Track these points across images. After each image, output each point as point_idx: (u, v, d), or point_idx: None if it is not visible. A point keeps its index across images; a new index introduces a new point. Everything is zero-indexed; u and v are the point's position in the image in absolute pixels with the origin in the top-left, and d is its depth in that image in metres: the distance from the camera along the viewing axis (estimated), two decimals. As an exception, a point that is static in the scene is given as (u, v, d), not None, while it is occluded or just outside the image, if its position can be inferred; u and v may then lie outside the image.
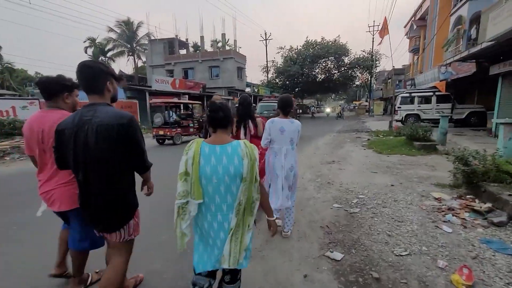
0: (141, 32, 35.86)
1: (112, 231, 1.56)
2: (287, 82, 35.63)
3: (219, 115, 1.40)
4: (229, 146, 1.37)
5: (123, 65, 53.58)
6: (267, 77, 35.70)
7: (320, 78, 36.92)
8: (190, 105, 13.76)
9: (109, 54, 35.13)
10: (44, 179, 1.83)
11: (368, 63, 32.62)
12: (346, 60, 34.08)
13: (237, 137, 3.16)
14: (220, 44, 34.67)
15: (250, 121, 3.21)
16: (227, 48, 33.15)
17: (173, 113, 11.74)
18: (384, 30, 12.16)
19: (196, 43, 39.38)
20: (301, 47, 34.77)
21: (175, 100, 18.72)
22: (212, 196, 1.36)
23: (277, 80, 36.85)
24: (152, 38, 34.23)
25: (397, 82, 30.20)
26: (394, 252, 2.48)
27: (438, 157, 6.60)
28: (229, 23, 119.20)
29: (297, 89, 38.45)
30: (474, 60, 10.19)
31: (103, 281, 1.57)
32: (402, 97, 14.40)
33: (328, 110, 39.85)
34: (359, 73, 34.92)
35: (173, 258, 2.51)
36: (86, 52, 35.22)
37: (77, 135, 1.40)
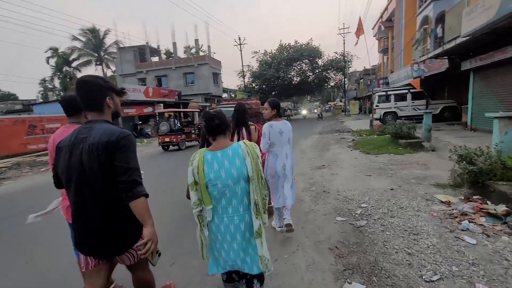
0: (109, 40, 34.15)
1: (119, 253, 1.46)
2: (264, 86, 35.58)
3: (214, 123, 1.44)
4: (229, 149, 1.41)
5: (91, 74, 51.14)
6: (244, 82, 35.37)
7: (296, 80, 37.33)
8: (189, 113, 14.19)
9: (74, 64, 32.98)
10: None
11: (341, 64, 33.50)
12: (320, 62, 34.78)
13: None
14: (193, 50, 33.86)
15: (244, 128, 3.08)
16: (201, 54, 32.41)
17: (177, 121, 12.25)
18: (359, 30, 12.28)
19: (168, 50, 38.22)
20: (275, 51, 34.97)
21: (157, 109, 17.78)
22: (219, 200, 1.41)
23: (253, 85, 36.67)
24: (122, 46, 32.70)
25: (369, 82, 31.27)
26: (423, 277, 2.10)
27: (426, 155, 6.52)
28: (202, 29, 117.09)
29: (273, 93, 38.52)
30: (446, 57, 10.50)
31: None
32: (379, 95, 14.65)
33: (304, 112, 39.99)
34: (333, 74, 35.76)
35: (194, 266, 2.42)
36: (48, 63, 32.78)
37: (71, 154, 1.34)
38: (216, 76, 30.56)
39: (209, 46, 32.09)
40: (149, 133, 17.37)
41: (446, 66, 10.96)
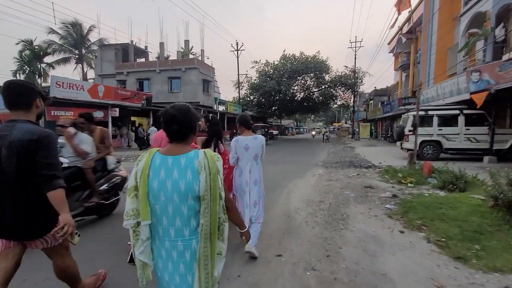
0: (93, 38, 30.52)
1: (33, 237, 1.60)
2: (262, 99, 31.38)
3: (172, 128, 1.17)
4: (183, 158, 1.14)
5: (69, 73, 47.88)
6: (239, 93, 31.27)
7: (299, 96, 33.21)
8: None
9: (48, 59, 29.21)
10: None
11: (351, 81, 29.42)
12: (327, 77, 30.78)
13: None
14: (183, 51, 30.01)
15: (219, 141, 3.28)
16: (191, 57, 28.49)
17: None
18: (403, 3, 7.92)
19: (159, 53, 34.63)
20: (277, 62, 31.11)
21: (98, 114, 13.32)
22: (160, 218, 1.14)
23: (251, 97, 32.52)
24: (105, 43, 29.06)
25: (383, 103, 26.95)
26: None
27: None
28: (196, 30, 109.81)
29: (273, 108, 34.32)
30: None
31: (59, 274, 1.79)
32: (414, 116, 10.06)
33: (314, 132, 36.01)
34: (341, 91, 31.62)
35: None
36: (21, 57, 29.01)
37: None
38: (206, 84, 26.43)
39: (202, 50, 28.26)
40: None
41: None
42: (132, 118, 17.59)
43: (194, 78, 24.81)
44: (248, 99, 32.72)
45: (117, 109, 14.01)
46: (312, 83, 31.94)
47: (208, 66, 26.77)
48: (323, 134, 26.92)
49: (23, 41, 28.19)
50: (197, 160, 1.12)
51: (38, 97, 1.62)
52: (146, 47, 30.05)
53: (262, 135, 19.59)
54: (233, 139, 2.89)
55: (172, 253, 1.13)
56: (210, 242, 1.15)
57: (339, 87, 30.85)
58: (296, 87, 32.17)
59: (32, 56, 27.76)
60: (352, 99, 32.10)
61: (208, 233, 1.13)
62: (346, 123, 52.12)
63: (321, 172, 8.15)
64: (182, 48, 29.40)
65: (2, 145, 1.46)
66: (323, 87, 31.50)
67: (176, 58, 27.73)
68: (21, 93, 1.57)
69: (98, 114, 13.38)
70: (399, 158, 10.68)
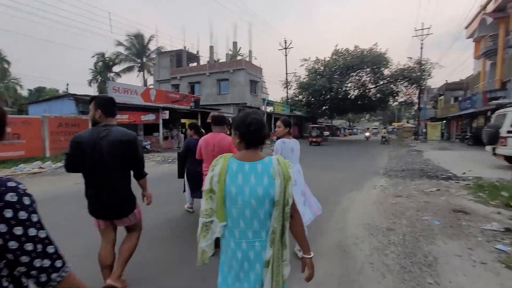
0: (152, 47, 33.12)
1: (121, 217, 2.05)
2: (312, 98, 29.71)
3: (263, 133, 1.23)
4: (259, 164, 1.19)
5: (132, 80, 52.77)
6: (287, 92, 30.18)
7: (353, 94, 30.52)
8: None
9: (116, 69, 32.70)
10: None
11: (415, 74, 25.68)
12: (386, 71, 27.50)
13: None
14: (231, 53, 30.26)
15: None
16: (239, 58, 28.50)
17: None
18: None
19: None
20: (329, 58, 29.07)
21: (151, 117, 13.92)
22: (236, 220, 1.18)
23: (299, 97, 31.14)
24: (162, 51, 31.20)
25: (458, 98, 22.77)
26: None
27: None
28: (244, 32, 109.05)
29: (323, 108, 32.28)
30: None
31: (122, 246, 2.15)
32: (514, 113, 7.70)
33: (367, 133, 31.78)
34: (403, 87, 27.91)
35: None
36: (95, 68, 33.19)
37: (95, 146, 1.87)
38: (254, 85, 26.12)
39: (250, 51, 28.05)
40: (148, 147, 13.36)
41: None
42: (182, 120, 18.13)
43: (241, 79, 24.71)
44: (297, 98, 31.39)
45: (167, 112, 14.44)
46: (368, 79, 28.96)
47: (255, 66, 26.43)
48: (382, 136, 24.00)
49: (97, 54, 32.21)
50: (272, 167, 1.17)
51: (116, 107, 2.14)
52: (197, 51, 31.26)
53: (317, 136, 18.39)
54: (279, 141, 2.91)
55: (249, 254, 1.17)
56: (281, 246, 1.19)
57: (401, 82, 27.27)
58: (349, 84, 29.60)
59: (103, 66, 31.37)
60: (417, 95, 28.08)
61: (280, 237, 1.18)
62: (408, 122, 46.40)
63: (384, 183, 6.68)
64: (230, 50, 29.72)
65: (105, 144, 1.88)
66: (381, 82, 28.28)
67: (225, 61, 28.18)
68: (114, 105, 2.07)
69: (150, 117, 13.97)
70: (490, 167, 8.35)
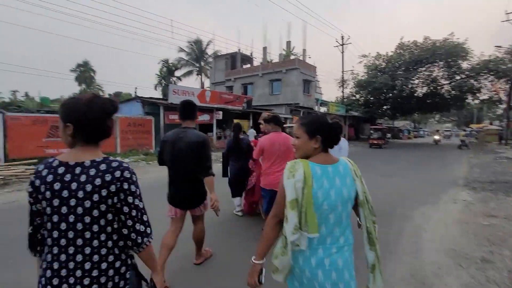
0: (210, 51, 35.04)
1: (194, 207, 2.36)
2: (371, 97, 27.40)
3: (336, 137, 1.24)
4: (340, 165, 1.19)
5: (191, 84, 55.95)
6: (343, 92, 28.42)
7: (421, 92, 27.10)
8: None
9: (177, 73, 35.49)
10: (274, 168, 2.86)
11: (506, 66, 21.35)
12: (465, 65, 23.59)
13: None
14: (284, 53, 29.87)
15: None
16: (292, 57, 27.94)
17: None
18: None
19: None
20: (392, 53, 26.36)
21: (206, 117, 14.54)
22: (318, 227, 1.13)
23: (357, 96, 29.04)
24: (218, 54, 32.70)
25: None
26: None
27: None
28: (298, 30, 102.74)
29: (384, 107, 29.46)
30: None
31: (196, 234, 2.52)
32: None
33: (437, 137, 27.24)
34: (488, 82, 23.53)
35: None
36: (160, 73, 36.68)
37: (175, 145, 2.23)
38: (307, 84, 25.27)
39: (304, 50, 27.29)
40: (202, 146, 13.97)
41: None
42: (235, 121, 18.57)
43: (294, 79, 24.15)
44: (354, 98, 29.34)
45: (221, 112, 14.89)
46: (441, 74, 25.35)
47: (309, 65, 25.56)
48: (461, 139, 20.60)
49: (162, 61, 35.52)
50: (349, 167, 1.18)
51: (197, 111, 2.40)
52: (251, 53, 31.82)
53: (379, 138, 17.00)
54: None
55: (337, 261, 1.12)
56: (375, 246, 1.19)
57: (485, 76, 23.07)
58: (416, 81, 26.38)
59: (167, 72, 34.35)
60: (505, 92, 23.35)
61: (373, 236, 1.18)
62: (491, 124, 39.04)
63: (467, 197, 5.51)
64: (284, 49, 29.41)
65: (182, 144, 2.19)
66: (458, 78, 24.40)
67: (278, 61, 27.98)
68: (192, 109, 2.32)
69: (205, 117, 14.59)
70: None
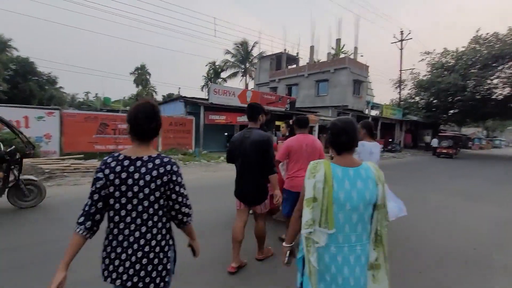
0: (255, 52, 34.96)
1: (257, 204, 2.55)
2: (434, 100, 23.94)
3: (341, 139, 1.27)
4: (362, 169, 1.24)
5: (236, 85, 56.39)
6: (399, 93, 25.40)
7: (501, 94, 22.68)
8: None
9: (223, 75, 36.18)
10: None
11: None
12: None
13: None
14: (334, 52, 27.97)
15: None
16: (342, 56, 25.98)
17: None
18: None
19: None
20: (464, 48, 22.63)
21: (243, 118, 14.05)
22: (342, 226, 1.21)
23: (416, 98, 25.71)
24: (264, 55, 32.35)
25: None
26: None
27: None
28: (350, 26, 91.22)
29: (451, 112, 25.48)
30: None
31: (256, 231, 2.69)
32: None
33: None
34: None
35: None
36: (207, 74, 37.90)
37: (241, 144, 2.47)
38: (358, 85, 23.17)
39: (355, 48, 25.10)
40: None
41: None
42: (277, 123, 17.78)
43: (343, 79, 22.33)
44: (412, 100, 26.06)
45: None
46: (530, 72, 20.81)
47: (360, 64, 23.42)
48: None
49: (209, 63, 36.63)
50: (371, 172, 1.22)
51: (261, 113, 2.59)
52: (297, 53, 30.68)
53: (448, 147, 14.43)
54: (359, 144, 2.81)
55: (349, 258, 1.19)
56: (383, 248, 1.23)
57: None
58: (495, 81, 22.15)
59: (214, 73, 35.24)
60: None
61: (381, 240, 1.23)
62: None
63: None
64: (333, 48, 27.59)
65: (248, 143, 2.45)
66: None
67: (326, 60, 26.37)
68: (256, 110, 2.57)
69: (245, 118, 14.08)
70: None
